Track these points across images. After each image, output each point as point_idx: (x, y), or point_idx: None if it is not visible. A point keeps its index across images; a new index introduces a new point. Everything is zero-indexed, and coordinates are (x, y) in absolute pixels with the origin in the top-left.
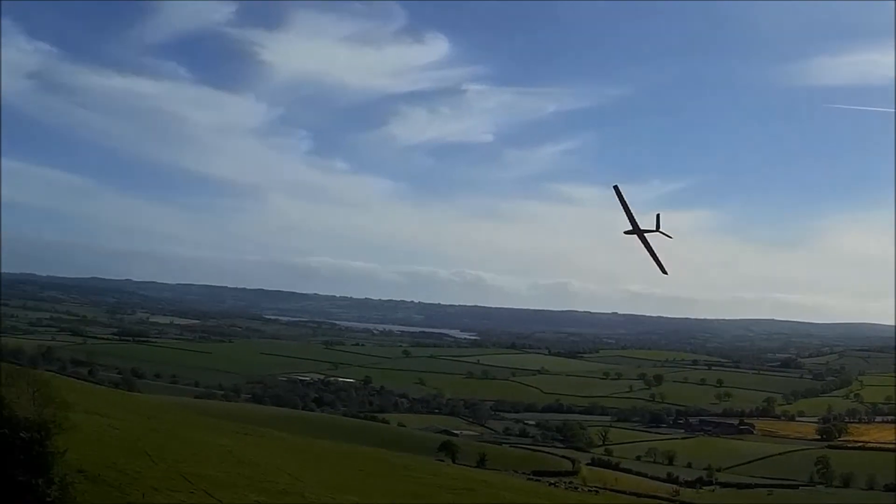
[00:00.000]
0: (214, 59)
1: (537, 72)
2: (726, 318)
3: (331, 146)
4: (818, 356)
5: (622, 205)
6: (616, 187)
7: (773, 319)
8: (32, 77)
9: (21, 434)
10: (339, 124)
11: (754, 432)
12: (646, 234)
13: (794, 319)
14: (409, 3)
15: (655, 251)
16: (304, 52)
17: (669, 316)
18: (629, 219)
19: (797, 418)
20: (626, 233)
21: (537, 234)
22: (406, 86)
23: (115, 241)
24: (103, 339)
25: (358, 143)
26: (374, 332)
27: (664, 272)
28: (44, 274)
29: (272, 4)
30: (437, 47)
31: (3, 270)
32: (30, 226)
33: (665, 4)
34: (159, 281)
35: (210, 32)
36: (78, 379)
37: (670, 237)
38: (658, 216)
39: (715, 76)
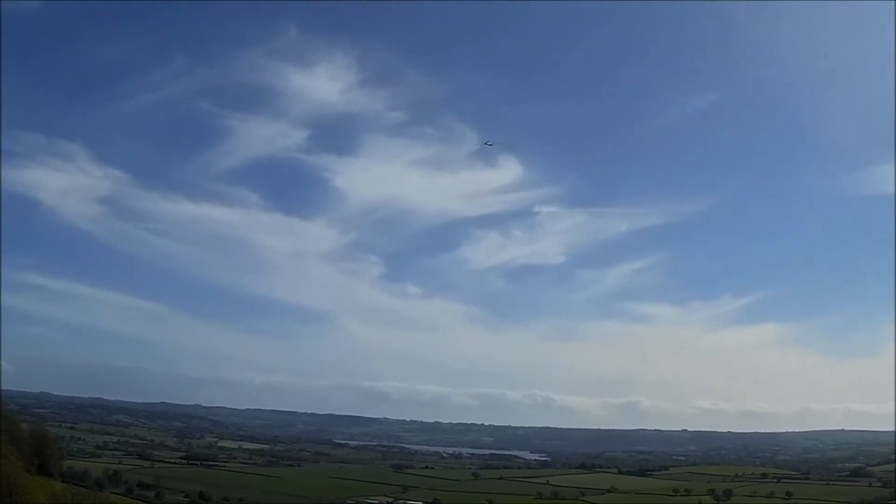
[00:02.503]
0: (286, 185)
1: (609, 192)
2: (796, 430)
3: (402, 270)
4: (887, 464)
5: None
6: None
7: (842, 430)
8: (104, 203)
9: None
10: (410, 249)
11: None
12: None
13: (864, 429)
14: (482, 127)
15: None
16: (375, 178)
17: (739, 431)
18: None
19: None
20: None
21: (608, 352)
22: (478, 209)
23: (186, 367)
24: (171, 462)
25: (430, 268)
26: (444, 454)
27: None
28: (112, 398)
29: (344, 131)
30: (509, 170)
31: (72, 395)
32: (100, 351)
33: (734, 119)
34: (229, 406)
35: (282, 158)
36: (144, 502)
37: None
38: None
39: (786, 188)
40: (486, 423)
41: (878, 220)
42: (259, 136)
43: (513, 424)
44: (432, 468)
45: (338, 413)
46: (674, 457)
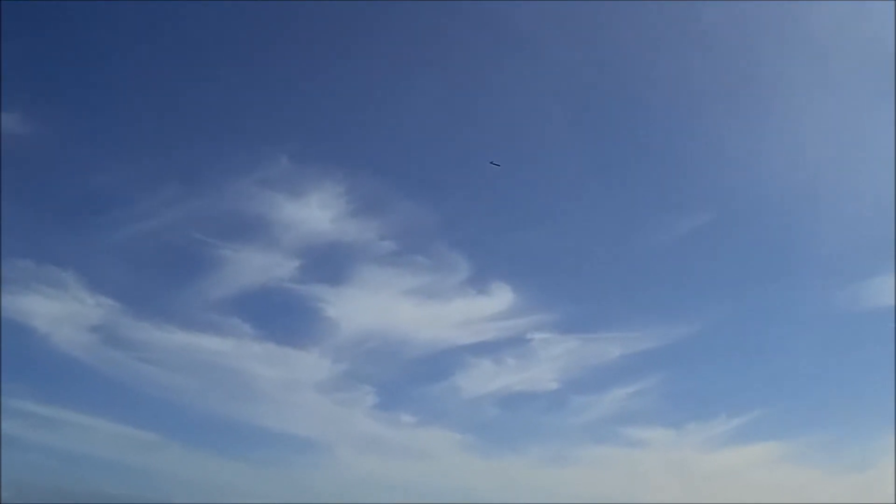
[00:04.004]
0: (279, 315)
1: (602, 316)
2: None
3: (396, 400)
4: None
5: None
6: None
7: None
8: (95, 331)
9: None
10: (404, 377)
11: None
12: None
13: None
14: (474, 254)
15: None
16: (367, 307)
17: None
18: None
19: None
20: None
21: (606, 476)
22: (471, 337)
23: (182, 495)
24: None
25: (423, 396)
26: None
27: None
28: None
29: (336, 260)
30: (501, 297)
31: None
32: (94, 479)
33: (726, 239)
34: None
35: (274, 288)
36: None
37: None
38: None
39: (779, 306)
40: None
41: (872, 334)
42: (251, 266)
43: None
44: None
45: None
46: None
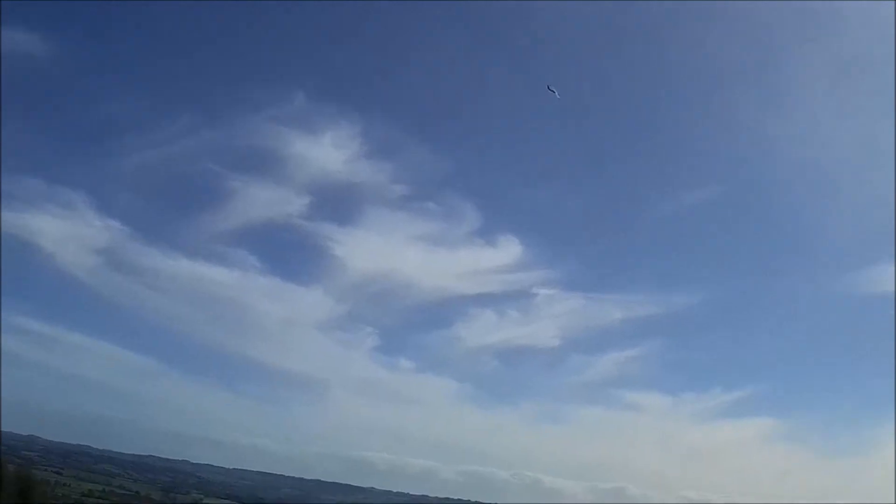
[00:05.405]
0: (285, 251)
1: (606, 278)
2: None
3: (397, 344)
4: None
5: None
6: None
7: None
8: (101, 254)
9: None
10: (406, 323)
11: None
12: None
13: None
14: (485, 205)
15: None
16: (374, 249)
17: None
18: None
19: None
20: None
21: (598, 438)
22: (475, 287)
23: (175, 423)
24: None
25: (424, 343)
26: None
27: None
28: (100, 447)
29: (346, 200)
30: (509, 250)
31: (61, 440)
32: (90, 400)
33: (732, 214)
34: (216, 464)
35: (282, 224)
36: None
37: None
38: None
39: (781, 285)
40: (473, 500)
41: (872, 320)
42: (261, 200)
43: (500, 503)
44: None
45: (326, 479)
46: None
